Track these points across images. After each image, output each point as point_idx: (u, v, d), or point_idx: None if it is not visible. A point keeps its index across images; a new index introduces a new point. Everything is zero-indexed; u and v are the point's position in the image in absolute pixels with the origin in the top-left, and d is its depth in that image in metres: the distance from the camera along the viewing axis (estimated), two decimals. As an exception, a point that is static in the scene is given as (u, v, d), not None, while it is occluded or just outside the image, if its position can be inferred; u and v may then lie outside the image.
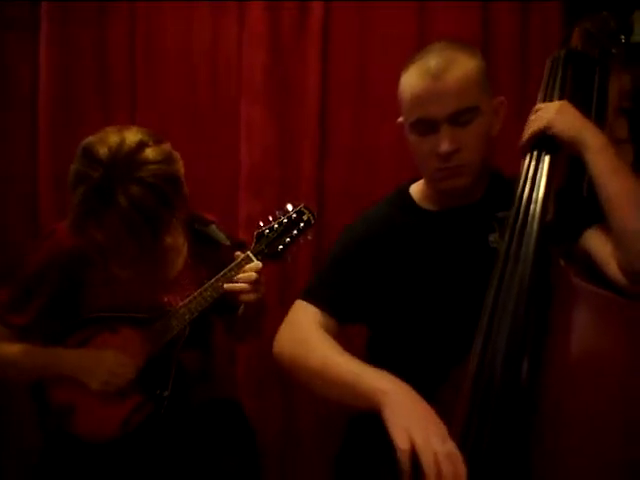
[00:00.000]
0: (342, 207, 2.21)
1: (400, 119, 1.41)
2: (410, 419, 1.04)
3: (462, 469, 0.98)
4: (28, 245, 2.27)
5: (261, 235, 1.59)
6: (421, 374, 1.31)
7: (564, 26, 1.52)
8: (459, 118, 1.29)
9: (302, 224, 1.59)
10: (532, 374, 1.07)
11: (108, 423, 1.59)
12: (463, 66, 1.30)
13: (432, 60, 1.31)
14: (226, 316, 1.75)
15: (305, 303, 1.40)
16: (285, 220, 1.60)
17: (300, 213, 1.60)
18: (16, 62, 2.36)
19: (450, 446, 1.00)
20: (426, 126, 1.32)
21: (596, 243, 1.30)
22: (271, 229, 1.59)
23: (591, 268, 1.28)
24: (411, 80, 1.33)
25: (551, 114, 1.29)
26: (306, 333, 1.33)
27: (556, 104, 1.31)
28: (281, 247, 1.58)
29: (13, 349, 1.60)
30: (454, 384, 1.15)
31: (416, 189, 1.49)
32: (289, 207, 1.61)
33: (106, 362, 1.57)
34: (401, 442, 1.00)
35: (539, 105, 1.36)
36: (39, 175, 2.35)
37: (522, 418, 1.06)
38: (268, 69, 2.25)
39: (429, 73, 1.29)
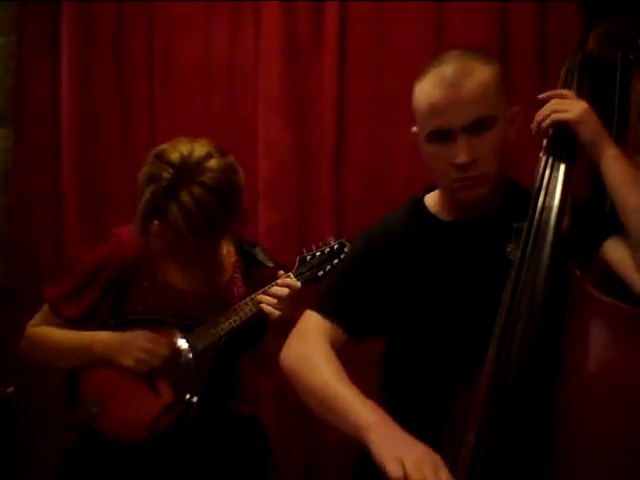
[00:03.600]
0: (361, 215, 2.21)
1: (414, 129, 1.39)
2: (400, 448, 1.02)
3: None
4: (54, 258, 2.33)
5: (303, 260, 1.73)
6: (437, 384, 1.31)
7: (582, 29, 1.50)
8: (476, 128, 1.27)
9: (342, 255, 1.72)
10: (547, 386, 1.06)
11: (137, 423, 1.63)
12: (480, 75, 1.27)
13: (448, 69, 1.28)
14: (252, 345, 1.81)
15: (314, 314, 1.39)
16: (327, 250, 1.74)
17: (342, 245, 1.74)
18: (38, 78, 2.42)
19: (443, 475, 0.98)
20: (442, 136, 1.29)
21: (616, 252, 1.28)
22: (313, 256, 1.73)
23: (609, 280, 1.25)
24: (427, 89, 1.31)
25: (580, 110, 1.26)
26: (311, 349, 1.31)
27: (583, 103, 1.28)
28: (321, 273, 1.71)
29: (58, 332, 1.69)
30: (469, 393, 1.14)
31: (431, 199, 1.47)
32: (331, 240, 1.76)
33: (139, 340, 1.64)
34: (393, 470, 0.98)
35: (566, 91, 1.33)
36: (63, 188, 2.40)
37: (536, 431, 1.04)
38: (285, 79, 2.27)
39: (445, 82, 1.27)
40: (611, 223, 1.27)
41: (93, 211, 2.39)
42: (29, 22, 2.40)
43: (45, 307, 1.71)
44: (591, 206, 1.40)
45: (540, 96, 1.33)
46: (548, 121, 1.29)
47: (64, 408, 1.73)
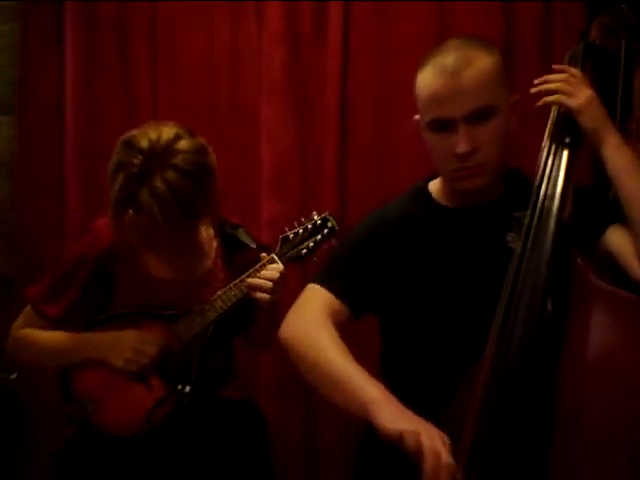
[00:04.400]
0: (364, 206, 2.13)
1: (416, 117, 1.40)
2: (411, 422, 1.05)
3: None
4: (62, 245, 2.33)
5: (286, 239, 1.67)
6: (436, 369, 1.32)
7: (585, 20, 1.51)
8: (477, 117, 1.28)
9: (326, 231, 1.66)
10: (548, 370, 1.06)
11: (132, 417, 1.62)
12: (481, 64, 1.28)
13: (449, 58, 1.29)
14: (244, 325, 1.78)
15: (318, 287, 1.39)
16: (310, 226, 1.67)
17: (325, 220, 1.67)
18: (41, 68, 2.41)
19: (436, 435, 1.02)
20: (443, 125, 1.30)
21: (618, 241, 1.28)
22: (296, 234, 1.67)
23: (611, 268, 1.26)
24: (428, 78, 1.31)
25: (585, 99, 1.26)
26: (313, 323, 1.31)
27: (588, 91, 1.28)
28: (304, 251, 1.65)
29: (44, 334, 1.67)
30: (469, 382, 1.14)
31: (434, 186, 1.48)
32: (314, 214, 1.68)
33: (128, 340, 1.62)
34: (411, 440, 1.01)
35: (580, 74, 1.32)
36: (66, 179, 2.40)
37: (537, 419, 1.05)
38: (287, 68, 2.26)
39: (446, 71, 1.27)
40: (614, 212, 1.28)
41: (96, 201, 2.37)
42: (33, 10, 2.39)
43: (28, 307, 1.70)
44: (594, 194, 1.40)
45: (555, 66, 1.33)
46: (552, 99, 1.29)
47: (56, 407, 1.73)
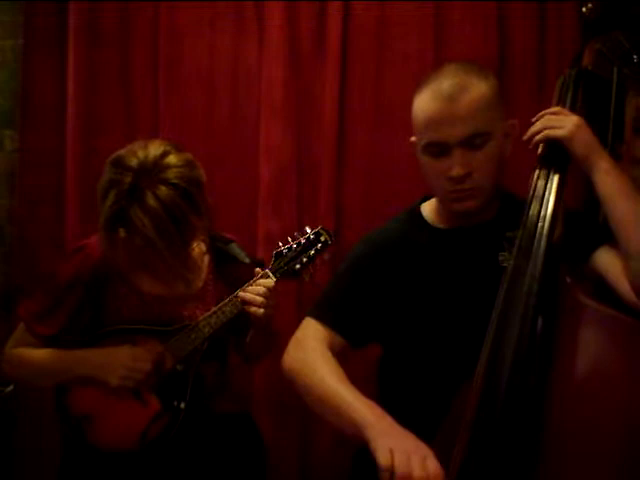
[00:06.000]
0: (360, 225, 2.22)
1: (412, 138, 1.42)
2: (394, 443, 1.06)
3: None
4: (58, 260, 2.34)
5: (279, 254, 1.67)
6: (431, 389, 1.34)
7: (579, 44, 1.54)
8: (472, 142, 1.30)
9: (319, 245, 1.67)
10: (537, 390, 1.08)
11: (127, 434, 1.62)
12: (477, 90, 1.30)
13: (445, 83, 1.31)
14: (237, 337, 1.79)
15: (313, 322, 1.41)
16: (303, 241, 1.68)
17: (318, 234, 1.68)
18: (44, 81, 2.43)
19: (432, 465, 1.03)
20: (438, 149, 1.32)
21: (607, 262, 1.30)
22: (289, 249, 1.68)
23: (600, 288, 1.28)
24: (424, 102, 1.34)
25: (572, 126, 1.28)
26: (311, 354, 1.34)
27: (576, 118, 1.30)
28: (298, 266, 1.66)
29: (38, 353, 1.66)
30: (462, 399, 1.16)
31: (428, 207, 1.50)
32: (307, 229, 1.69)
33: (122, 357, 1.60)
34: (383, 459, 1.03)
35: (559, 109, 1.35)
36: (66, 192, 2.41)
37: (527, 433, 1.07)
38: (287, 86, 2.29)
39: (442, 96, 1.30)
40: (603, 234, 1.30)
41: (96, 216, 2.40)
42: (36, 25, 2.41)
43: (21, 325, 1.68)
44: (584, 216, 1.42)
45: (534, 119, 1.35)
46: (540, 137, 1.31)
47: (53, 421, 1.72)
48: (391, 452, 1.04)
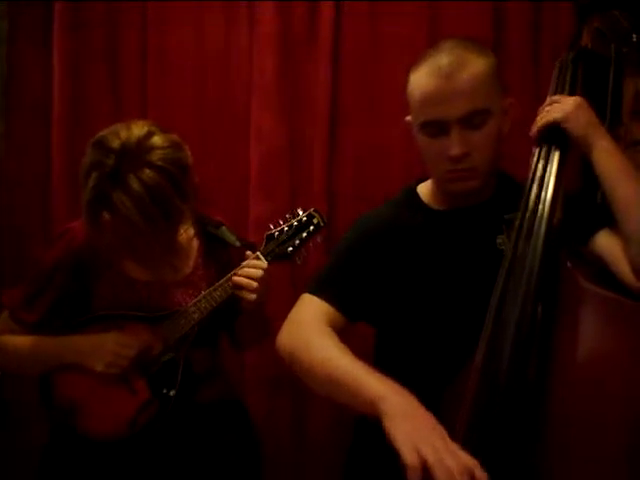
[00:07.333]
0: (352, 209, 2.18)
1: (408, 118, 1.39)
2: (415, 433, 0.97)
3: (482, 477, 0.93)
4: (42, 246, 2.31)
5: (271, 237, 1.63)
6: (428, 374, 1.31)
7: (575, 24, 1.52)
8: (470, 120, 1.27)
9: (312, 227, 1.63)
10: (538, 374, 1.06)
11: (116, 422, 1.59)
12: (475, 66, 1.27)
13: (443, 59, 1.27)
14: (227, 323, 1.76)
15: (311, 297, 1.37)
16: (295, 223, 1.63)
17: (310, 217, 1.64)
18: (29, 65, 2.39)
19: (464, 459, 0.93)
20: (436, 127, 1.29)
21: (607, 244, 1.29)
22: (281, 231, 1.63)
23: (600, 271, 1.26)
24: (421, 80, 1.30)
25: (568, 108, 1.27)
26: (310, 330, 1.29)
27: (574, 99, 1.29)
28: (290, 249, 1.62)
29: (21, 340, 1.63)
30: (460, 384, 1.14)
31: (424, 188, 1.47)
32: (299, 211, 1.65)
33: (108, 343, 1.57)
34: (411, 460, 0.93)
35: (556, 97, 1.34)
36: (52, 178, 2.37)
37: (527, 417, 1.05)
38: (278, 72, 2.26)
39: (440, 73, 1.26)
40: (602, 215, 1.28)
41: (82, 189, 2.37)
42: (21, 9, 2.37)
43: (5, 313, 1.65)
44: (582, 198, 1.41)
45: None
46: (539, 124, 1.31)
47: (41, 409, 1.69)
48: (416, 448, 0.93)
